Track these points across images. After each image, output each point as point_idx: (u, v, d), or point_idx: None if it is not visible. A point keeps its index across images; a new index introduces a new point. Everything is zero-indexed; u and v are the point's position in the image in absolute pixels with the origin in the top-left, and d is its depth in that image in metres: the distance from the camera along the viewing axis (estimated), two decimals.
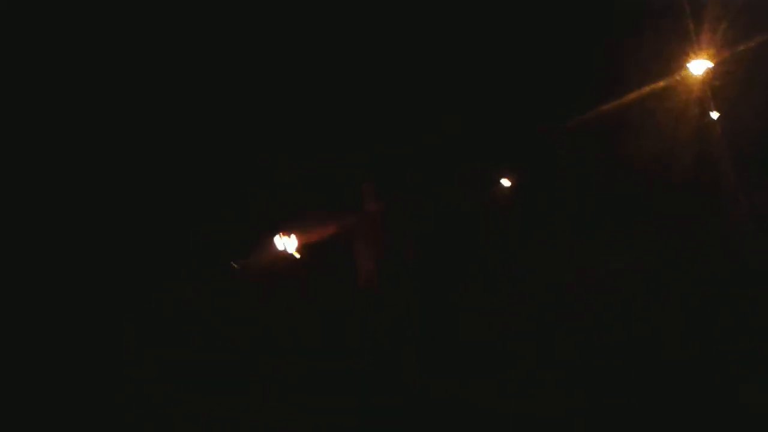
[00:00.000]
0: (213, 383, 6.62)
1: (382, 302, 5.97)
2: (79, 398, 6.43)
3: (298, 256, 6.41)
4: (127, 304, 10.75)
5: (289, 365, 6.99)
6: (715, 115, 15.06)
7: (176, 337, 9.46)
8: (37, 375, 7.27)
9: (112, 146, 12.22)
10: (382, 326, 5.96)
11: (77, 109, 12.03)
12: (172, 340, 9.14)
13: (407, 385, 5.67)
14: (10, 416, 5.79)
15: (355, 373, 5.95)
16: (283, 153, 11.93)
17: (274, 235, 6.49)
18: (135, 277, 11.40)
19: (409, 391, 5.55)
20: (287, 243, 6.49)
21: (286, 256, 6.85)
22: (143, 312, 10.71)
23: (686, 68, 14.75)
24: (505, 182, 19.21)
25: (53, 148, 11.76)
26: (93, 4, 11.72)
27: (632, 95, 15.41)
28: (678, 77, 14.91)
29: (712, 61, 14.40)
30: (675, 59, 14.74)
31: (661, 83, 15.16)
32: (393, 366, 5.86)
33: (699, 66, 14.60)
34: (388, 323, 5.95)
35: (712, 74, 14.54)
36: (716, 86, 14.57)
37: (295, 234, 6.49)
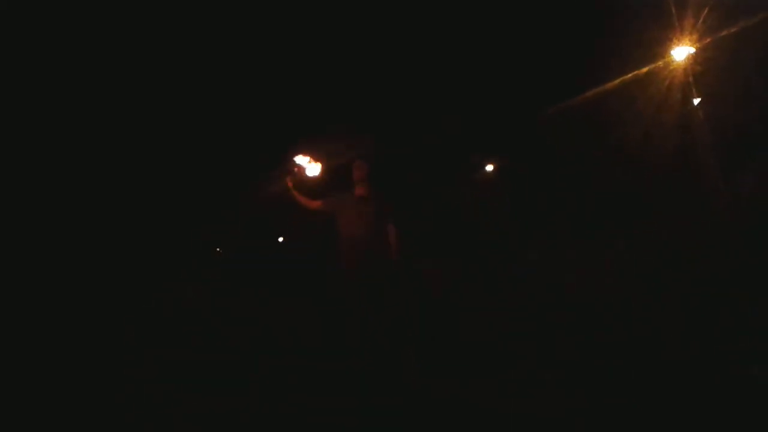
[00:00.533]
0: (213, 383, 6.61)
1: (380, 300, 5.96)
2: (79, 398, 6.43)
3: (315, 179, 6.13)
4: (127, 304, 10.72)
5: (288, 365, 6.99)
6: (697, 100, 15.21)
7: (176, 337, 9.46)
8: (38, 375, 7.25)
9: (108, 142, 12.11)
10: (381, 326, 5.97)
11: (76, 110, 11.90)
12: (172, 340, 9.13)
13: (407, 385, 5.69)
14: (11, 416, 5.74)
15: (355, 373, 5.95)
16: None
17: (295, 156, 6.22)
18: (135, 276, 11.34)
19: (409, 391, 5.57)
20: (311, 166, 6.23)
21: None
22: (143, 312, 10.70)
23: (669, 54, 14.88)
24: (490, 167, 19.26)
25: (54, 149, 11.65)
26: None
27: (615, 81, 15.53)
28: (661, 63, 15.04)
29: (694, 46, 14.54)
30: (658, 45, 14.85)
31: (644, 69, 15.29)
32: (393, 366, 5.87)
33: (681, 52, 14.73)
34: (388, 322, 5.95)
35: (694, 60, 14.69)
36: (698, 71, 14.72)
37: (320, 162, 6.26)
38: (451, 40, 15.81)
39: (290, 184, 6.23)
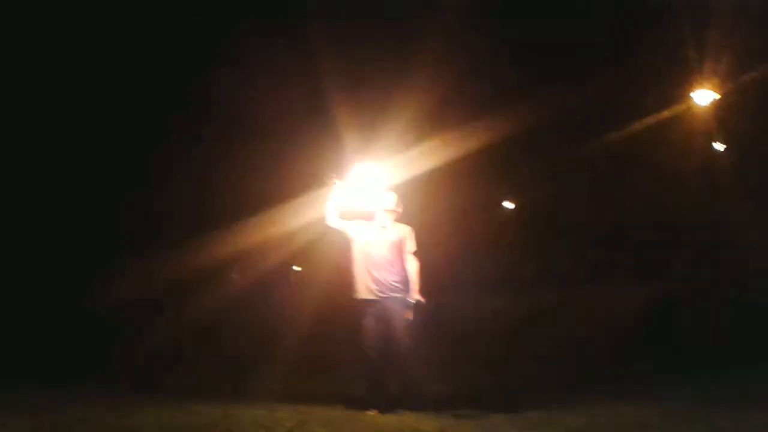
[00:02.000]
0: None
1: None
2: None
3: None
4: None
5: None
6: (720, 145, 14.93)
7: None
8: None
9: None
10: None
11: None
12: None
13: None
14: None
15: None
16: None
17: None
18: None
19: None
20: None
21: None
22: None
23: (691, 99, 14.63)
24: (509, 205, 19.11)
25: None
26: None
27: (639, 125, 15.30)
28: (684, 108, 14.80)
29: (717, 92, 14.28)
30: (680, 90, 14.63)
31: (667, 113, 15.05)
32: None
33: (704, 97, 14.48)
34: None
35: (717, 105, 14.42)
36: (721, 117, 14.45)
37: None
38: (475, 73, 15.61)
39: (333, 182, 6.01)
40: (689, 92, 14.44)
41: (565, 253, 15.36)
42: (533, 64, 15.30)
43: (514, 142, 14.89)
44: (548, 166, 16.26)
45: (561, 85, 15.15)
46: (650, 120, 15.02)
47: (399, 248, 5.91)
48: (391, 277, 5.80)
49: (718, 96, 14.10)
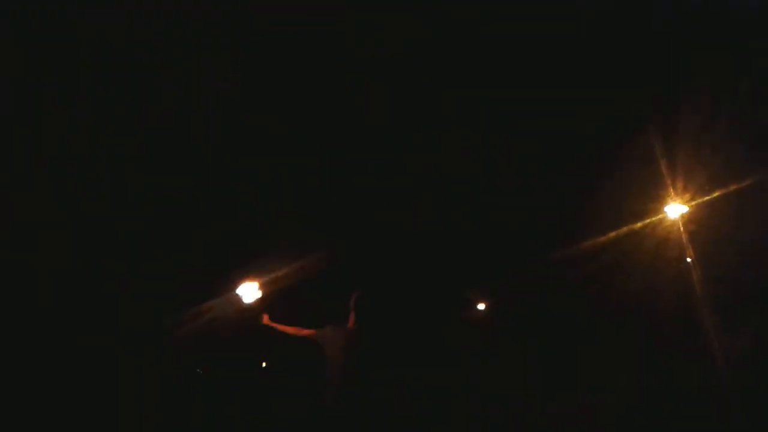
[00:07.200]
0: None
1: None
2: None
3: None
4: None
5: None
6: (690, 257, 15.46)
7: None
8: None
9: None
10: None
11: None
12: None
13: None
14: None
15: None
16: None
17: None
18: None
19: None
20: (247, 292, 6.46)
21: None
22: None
23: (663, 212, 15.33)
24: (482, 306, 19.38)
25: None
26: None
27: (611, 235, 15.91)
28: (655, 220, 15.47)
29: (687, 205, 15.00)
30: (652, 203, 15.35)
31: (638, 225, 15.71)
32: None
33: (675, 210, 15.18)
34: None
35: (688, 218, 15.09)
36: (691, 230, 15.08)
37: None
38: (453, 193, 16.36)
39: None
40: (662, 206, 15.21)
41: None
42: None
43: None
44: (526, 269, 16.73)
45: None
46: (623, 231, 15.69)
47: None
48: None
49: (687, 209, 14.85)
